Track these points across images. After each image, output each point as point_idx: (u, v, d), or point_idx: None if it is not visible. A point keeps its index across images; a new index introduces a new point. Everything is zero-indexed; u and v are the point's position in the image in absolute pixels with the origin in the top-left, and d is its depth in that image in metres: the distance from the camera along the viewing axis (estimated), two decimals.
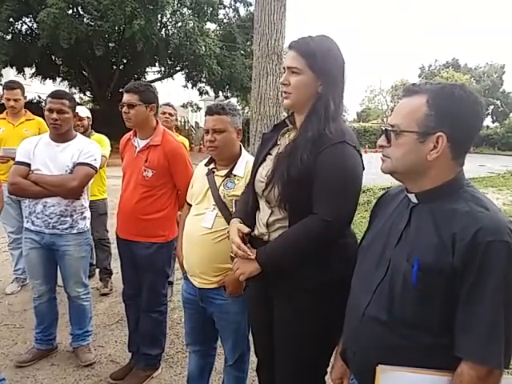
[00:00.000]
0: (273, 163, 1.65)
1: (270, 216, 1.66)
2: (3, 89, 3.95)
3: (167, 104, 4.01)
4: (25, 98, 3.98)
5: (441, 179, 1.21)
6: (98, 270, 4.22)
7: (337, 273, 1.50)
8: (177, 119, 4.12)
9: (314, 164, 1.51)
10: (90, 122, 3.96)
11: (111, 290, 4.05)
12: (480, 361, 1.08)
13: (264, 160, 1.74)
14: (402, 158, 1.22)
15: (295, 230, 1.56)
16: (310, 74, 1.57)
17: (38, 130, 3.87)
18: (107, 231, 4.12)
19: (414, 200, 1.26)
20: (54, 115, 2.61)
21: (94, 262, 4.16)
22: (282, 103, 1.68)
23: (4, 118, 3.95)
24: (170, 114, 3.90)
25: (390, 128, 1.24)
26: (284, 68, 1.64)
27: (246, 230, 1.70)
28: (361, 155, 1.59)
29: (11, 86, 3.92)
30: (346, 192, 1.53)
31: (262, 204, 1.71)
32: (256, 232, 1.73)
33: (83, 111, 3.88)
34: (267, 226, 1.67)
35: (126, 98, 2.48)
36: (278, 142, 1.73)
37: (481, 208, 1.14)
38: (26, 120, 3.96)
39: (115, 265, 4.22)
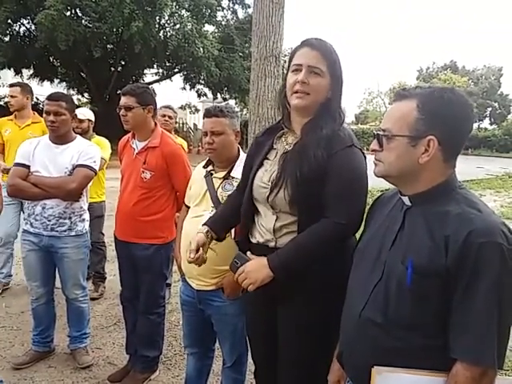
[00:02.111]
0: (278, 166, 1.62)
1: (275, 222, 1.63)
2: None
3: (167, 106, 3.98)
4: (27, 98, 3.92)
5: (433, 182, 1.23)
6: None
7: (340, 273, 1.49)
8: (176, 122, 4.09)
9: (326, 163, 1.51)
10: (92, 125, 3.93)
11: (101, 294, 3.97)
12: (474, 361, 1.09)
13: (262, 165, 1.71)
14: (395, 162, 1.24)
15: (309, 234, 1.53)
16: (328, 78, 1.57)
17: (41, 132, 3.83)
18: (102, 234, 4.09)
19: (408, 203, 1.27)
20: (51, 117, 2.62)
21: None
22: (295, 103, 1.58)
23: (11, 120, 3.94)
24: (169, 117, 3.89)
25: (381, 132, 1.25)
26: (301, 65, 1.56)
27: (196, 254, 1.73)
28: (365, 157, 1.60)
29: (12, 84, 4.00)
30: (359, 195, 1.54)
31: (264, 210, 1.68)
32: (260, 239, 1.69)
33: (86, 113, 3.87)
34: (274, 232, 1.64)
35: (123, 100, 2.48)
36: (275, 146, 1.71)
37: (473, 210, 1.15)
38: (33, 122, 3.93)
39: (112, 267, 4.23)
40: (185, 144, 4.13)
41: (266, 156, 1.71)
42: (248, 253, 1.66)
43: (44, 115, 2.66)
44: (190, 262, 1.75)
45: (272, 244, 1.64)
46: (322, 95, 1.58)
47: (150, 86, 2.72)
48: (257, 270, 1.55)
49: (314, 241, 1.53)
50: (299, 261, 1.54)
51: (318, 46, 1.57)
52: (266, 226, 1.66)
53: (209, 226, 1.82)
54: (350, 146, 1.55)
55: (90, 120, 3.88)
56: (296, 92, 1.57)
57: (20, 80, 18.78)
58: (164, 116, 3.85)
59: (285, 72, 1.73)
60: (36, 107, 15.59)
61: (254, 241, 1.72)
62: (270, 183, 1.63)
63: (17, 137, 3.79)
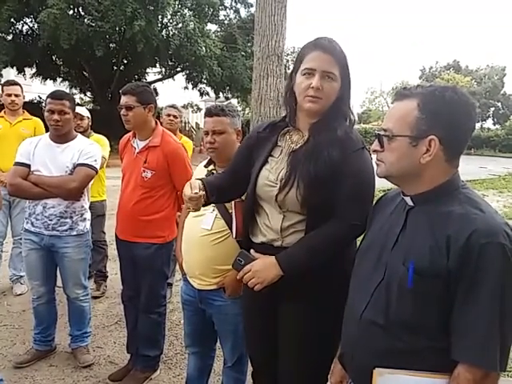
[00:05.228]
0: (287, 164, 1.60)
1: (283, 221, 1.61)
2: (2, 86, 3.95)
3: (172, 106, 3.94)
4: (23, 97, 3.98)
5: (435, 182, 1.21)
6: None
7: (342, 272, 1.48)
8: (181, 121, 4.04)
9: (341, 164, 1.51)
10: (90, 123, 3.95)
11: (103, 293, 3.97)
12: (476, 363, 1.08)
13: (266, 162, 1.68)
14: (396, 163, 1.23)
15: (321, 234, 1.53)
16: (339, 81, 1.57)
17: (33, 129, 3.87)
18: (104, 233, 4.09)
19: (410, 203, 1.26)
20: (56, 116, 2.60)
21: None
22: (307, 107, 1.56)
23: (2, 117, 3.93)
24: (174, 117, 3.85)
25: (382, 132, 1.24)
26: (314, 70, 1.53)
27: (196, 190, 1.59)
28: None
29: (12, 82, 3.97)
30: (370, 197, 1.56)
31: (270, 209, 1.65)
32: (263, 238, 1.66)
33: (83, 111, 3.88)
34: (281, 231, 1.61)
35: (124, 100, 2.48)
36: (279, 143, 1.68)
37: (476, 210, 1.14)
38: (24, 119, 3.95)
39: (113, 266, 4.23)
40: (190, 144, 4.09)
41: (271, 153, 1.69)
42: (252, 251, 1.65)
43: (46, 114, 2.63)
44: (189, 199, 1.58)
45: (278, 243, 1.62)
46: (333, 98, 1.58)
47: (150, 85, 2.71)
48: (265, 269, 1.54)
49: (325, 241, 1.53)
50: (309, 260, 1.53)
51: (330, 49, 1.56)
52: (270, 225, 1.64)
53: (204, 184, 1.69)
54: (363, 148, 1.57)
55: (88, 117, 3.88)
56: (309, 96, 1.55)
57: (22, 79, 18.81)
58: (169, 115, 3.82)
59: (287, 71, 1.72)
60: (39, 106, 15.69)
61: (256, 240, 1.70)
62: (278, 182, 1.60)
63: (9, 133, 3.79)
